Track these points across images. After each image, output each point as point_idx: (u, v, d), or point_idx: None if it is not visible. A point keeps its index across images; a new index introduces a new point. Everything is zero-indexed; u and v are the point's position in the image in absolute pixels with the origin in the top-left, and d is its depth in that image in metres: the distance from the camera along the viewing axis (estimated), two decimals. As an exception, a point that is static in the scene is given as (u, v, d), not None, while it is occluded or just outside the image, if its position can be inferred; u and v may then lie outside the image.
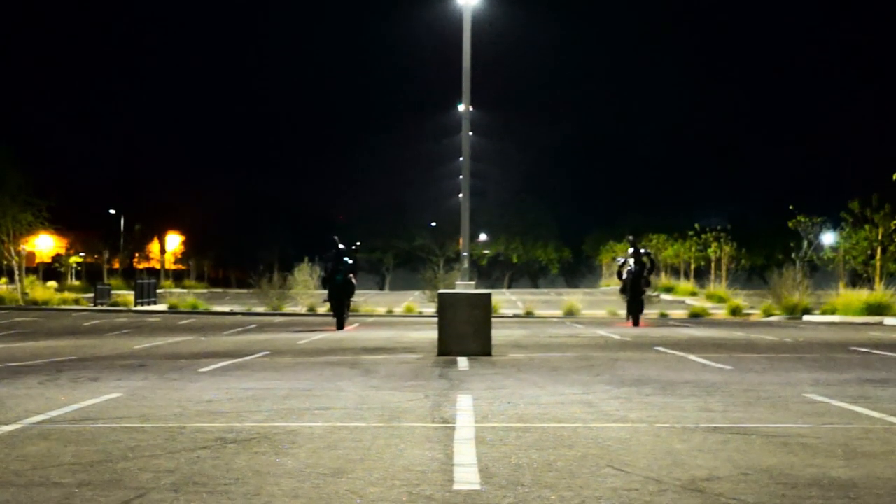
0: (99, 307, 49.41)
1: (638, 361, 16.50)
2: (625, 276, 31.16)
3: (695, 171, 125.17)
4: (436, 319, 19.64)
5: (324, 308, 44.71)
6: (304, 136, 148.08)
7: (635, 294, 30.66)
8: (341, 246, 29.30)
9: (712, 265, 76.43)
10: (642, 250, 31.59)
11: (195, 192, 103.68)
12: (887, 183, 37.22)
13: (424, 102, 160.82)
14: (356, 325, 32.86)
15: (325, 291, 30.35)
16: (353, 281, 30.15)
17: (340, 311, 29.28)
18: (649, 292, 50.62)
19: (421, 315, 40.21)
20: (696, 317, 39.35)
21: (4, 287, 58.36)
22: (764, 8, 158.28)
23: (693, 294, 60.06)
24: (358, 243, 29.90)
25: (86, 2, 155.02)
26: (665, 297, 55.70)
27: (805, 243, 47.73)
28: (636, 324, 30.33)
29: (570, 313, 41.02)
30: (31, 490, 6.10)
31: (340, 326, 29.07)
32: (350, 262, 29.60)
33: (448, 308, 18.73)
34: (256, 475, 6.52)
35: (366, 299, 51.19)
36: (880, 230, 41.93)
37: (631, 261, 31.24)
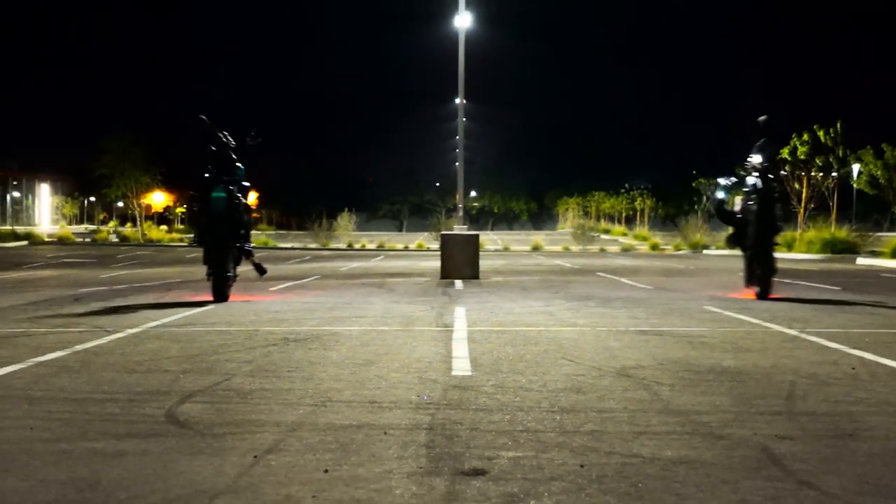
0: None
1: (585, 283, 16.48)
2: (736, 209, 12.59)
3: (626, 144, 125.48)
4: (439, 253, 19.61)
5: (359, 244, 44.07)
6: (344, 118, 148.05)
7: (763, 245, 11.99)
8: (228, 138, 11.63)
9: (637, 214, 76.15)
10: (772, 157, 12.42)
11: (266, 159, 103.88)
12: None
13: (431, 95, 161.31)
14: (381, 256, 32.57)
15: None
16: (244, 206, 11.91)
17: (221, 266, 11.80)
18: (598, 234, 49.06)
19: (429, 250, 40.12)
20: (626, 251, 39.27)
21: (130, 229, 58.45)
22: (680, 10, 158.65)
23: (624, 234, 60.01)
24: (253, 132, 11.17)
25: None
26: (604, 237, 55.58)
27: (704, 198, 47.66)
28: (763, 296, 12.00)
29: (536, 248, 40.95)
30: (149, 375, 6.11)
31: (219, 296, 11.70)
32: (242, 169, 11.79)
33: (448, 244, 18.71)
34: (310, 365, 6.52)
35: (389, 238, 51.04)
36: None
37: (755, 183, 12.07)
